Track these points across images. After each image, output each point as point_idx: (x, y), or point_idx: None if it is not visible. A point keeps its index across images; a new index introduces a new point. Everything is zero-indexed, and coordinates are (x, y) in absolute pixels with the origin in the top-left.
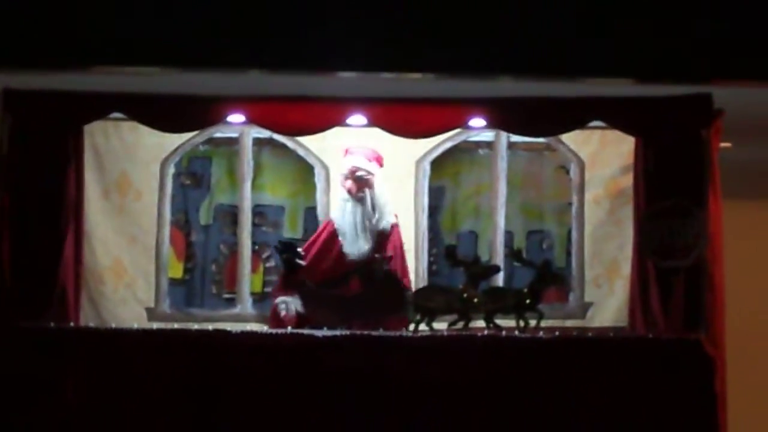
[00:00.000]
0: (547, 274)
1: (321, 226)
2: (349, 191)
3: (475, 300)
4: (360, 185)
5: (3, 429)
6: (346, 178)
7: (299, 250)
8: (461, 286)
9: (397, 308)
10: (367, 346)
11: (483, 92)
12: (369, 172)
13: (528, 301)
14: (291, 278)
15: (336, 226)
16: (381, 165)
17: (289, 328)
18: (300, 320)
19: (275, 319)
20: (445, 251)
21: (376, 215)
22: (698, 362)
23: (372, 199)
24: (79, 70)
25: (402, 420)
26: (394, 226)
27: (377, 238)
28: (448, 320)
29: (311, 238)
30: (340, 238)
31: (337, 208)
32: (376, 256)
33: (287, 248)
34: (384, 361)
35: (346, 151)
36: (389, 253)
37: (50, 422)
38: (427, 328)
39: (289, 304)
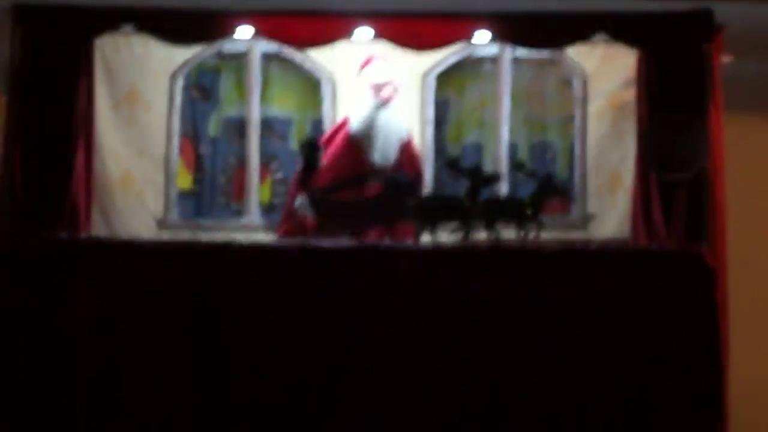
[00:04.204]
0: (548, 186)
1: (336, 125)
2: (388, 98)
3: (476, 209)
4: (395, 93)
5: (17, 341)
6: (381, 86)
7: (320, 150)
8: (462, 194)
9: (400, 216)
10: (374, 257)
11: (488, 6)
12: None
13: (529, 212)
14: (308, 177)
15: (361, 133)
16: None
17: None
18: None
19: (290, 219)
20: (445, 161)
21: (403, 122)
22: (700, 273)
23: (398, 106)
24: None
25: (407, 331)
26: (409, 134)
27: (402, 146)
28: (450, 229)
29: (327, 135)
30: (366, 145)
31: (364, 116)
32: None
33: (311, 146)
34: (391, 272)
35: (370, 59)
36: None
37: (63, 332)
38: (429, 237)
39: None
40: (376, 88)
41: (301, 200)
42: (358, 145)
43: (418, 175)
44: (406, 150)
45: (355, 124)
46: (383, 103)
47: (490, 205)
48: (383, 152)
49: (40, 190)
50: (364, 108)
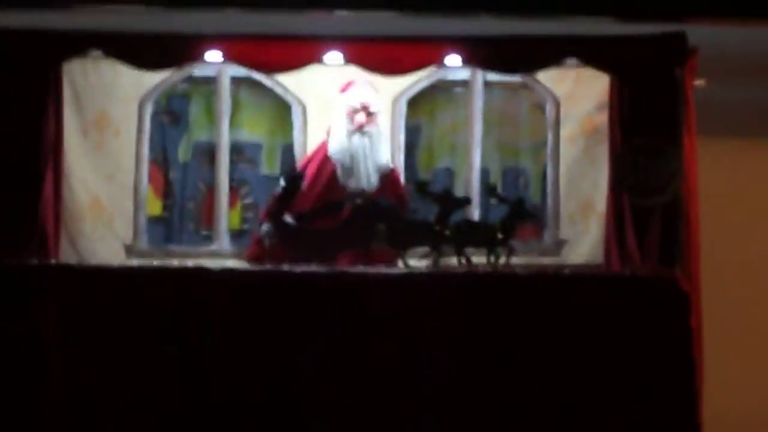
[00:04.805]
0: (519, 210)
1: (311, 153)
2: (360, 126)
3: (446, 233)
4: (369, 119)
5: None
6: (356, 111)
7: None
8: (432, 219)
9: (368, 242)
10: (345, 283)
11: (459, 30)
12: (378, 108)
13: (499, 236)
14: (283, 206)
15: (337, 159)
16: None
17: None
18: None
19: (258, 246)
20: (415, 185)
21: (382, 150)
22: (674, 298)
23: (379, 134)
24: (58, 8)
25: (381, 355)
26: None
27: (383, 173)
28: (420, 254)
29: (303, 161)
30: (341, 171)
31: (340, 142)
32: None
33: (295, 178)
34: (362, 298)
35: (350, 84)
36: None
37: (31, 359)
38: (400, 263)
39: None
40: (351, 113)
41: (266, 227)
42: (334, 171)
43: (402, 202)
44: (390, 176)
45: (331, 149)
46: (358, 129)
47: (460, 229)
48: (361, 178)
49: (9, 216)
50: (339, 133)
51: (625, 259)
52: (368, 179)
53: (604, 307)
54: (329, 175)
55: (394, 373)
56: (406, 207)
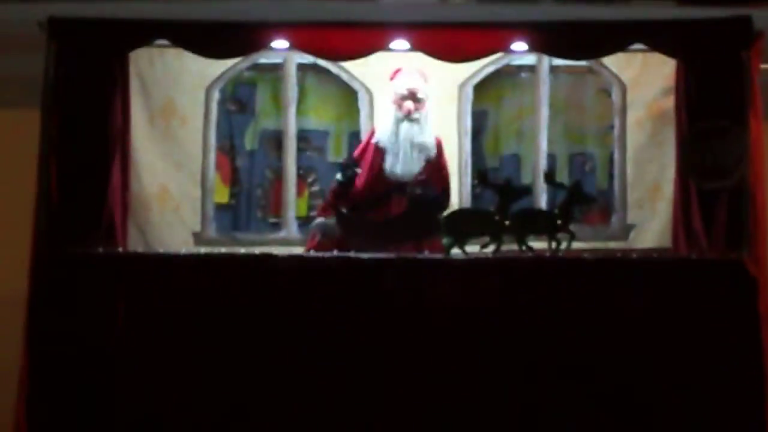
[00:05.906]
0: (577, 195)
1: (364, 142)
2: (408, 112)
3: (507, 222)
4: (418, 106)
5: (52, 355)
6: (404, 98)
7: (357, 169)
8: (492, 208)
9: (429, 232)
10: (413, 269)
11: (525, 16)
12: (425, 94)
13: (559, 222)
14: (344, 195)
15: (383, 146)
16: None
17: (335, 251)
18: (341, 243)
19: (314, 240)
20: (476, 174)
21: (429, 136)
22: (741, 282)
23: (426, 119)
24: None
25: (447, 343)
26: (439, 146)
27: (428, 159)
28: (481, 243)
29: (358, 150)
30: (388, 158)
31: (387, 129)
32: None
33: (349, 167)
34: (430, 284)
35: (398, 71)
36: (443, 172)
37: (100, 347)
38: (460, 252)
39: (333, 227)
40: (399, 100)
41: (319, 222)
42: (381, 159)
43: (445, 191)
44: (435, 164)
45: (378, 137)
46: (406, 116)
47: (520, 217)
48: (406, 166)
49: (77, 206)
50: (387, 121)
51: (692, 243)
52: (413, 165)
53: (671, 291)
54: (378, 164)
55: (460, 358)
56: (447, 191)
